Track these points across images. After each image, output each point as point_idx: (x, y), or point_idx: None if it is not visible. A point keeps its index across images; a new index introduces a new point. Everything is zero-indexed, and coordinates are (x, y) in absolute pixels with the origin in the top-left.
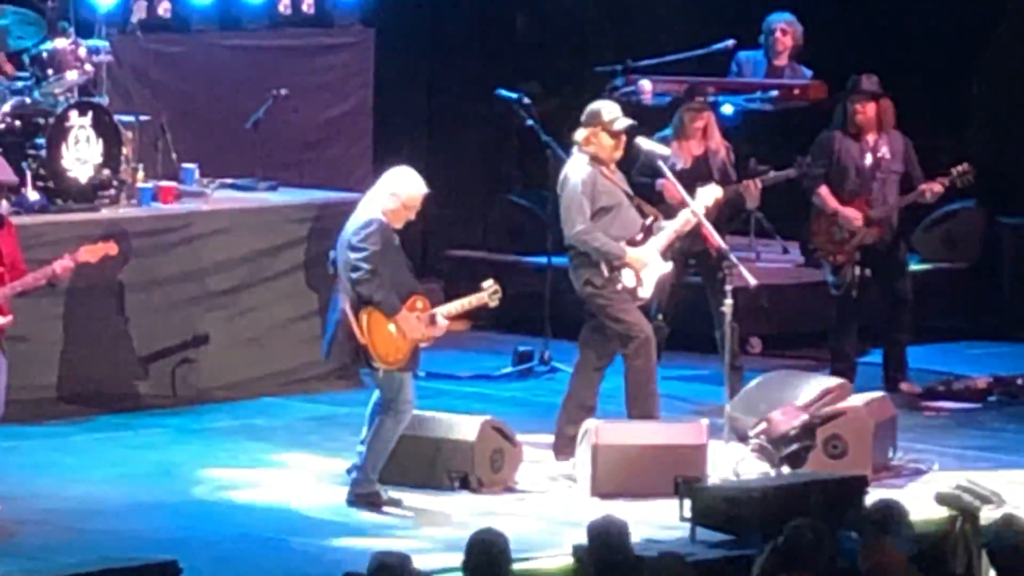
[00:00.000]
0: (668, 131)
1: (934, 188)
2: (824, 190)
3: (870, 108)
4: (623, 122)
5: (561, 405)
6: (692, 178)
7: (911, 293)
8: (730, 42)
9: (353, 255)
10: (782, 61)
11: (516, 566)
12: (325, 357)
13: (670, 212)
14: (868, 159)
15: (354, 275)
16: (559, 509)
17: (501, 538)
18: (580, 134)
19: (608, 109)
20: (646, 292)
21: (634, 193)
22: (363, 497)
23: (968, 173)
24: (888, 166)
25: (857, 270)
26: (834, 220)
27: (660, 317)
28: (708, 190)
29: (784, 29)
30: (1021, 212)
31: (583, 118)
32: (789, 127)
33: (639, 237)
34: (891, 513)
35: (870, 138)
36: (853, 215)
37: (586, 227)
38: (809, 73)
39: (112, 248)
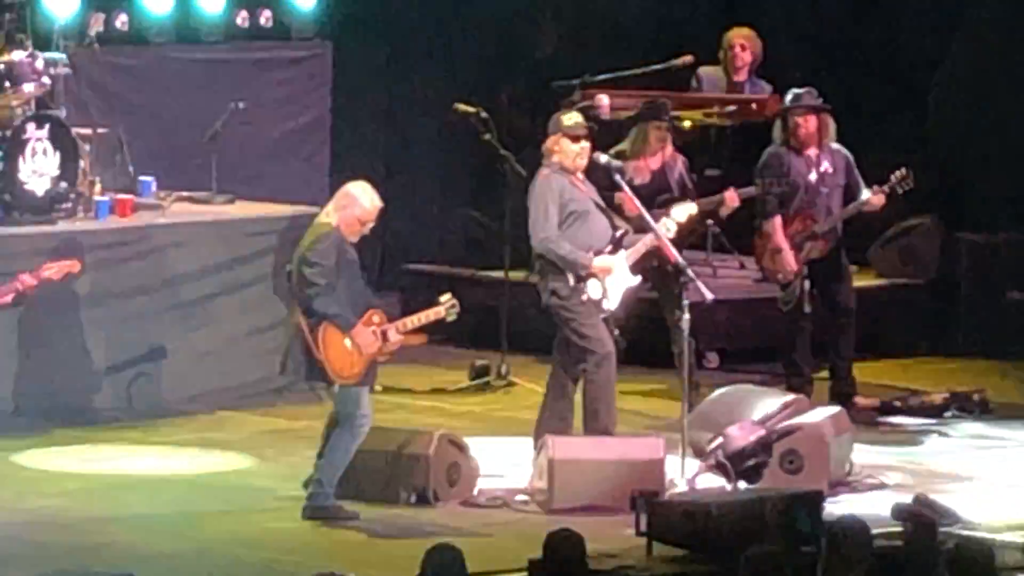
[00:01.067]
0: (623, 146)
1: (875, 199)
2: (776, 222)
3: (811, 122)
4: (583, 127)
5: (538, 417)
6: (651, 192)
7: (854, 305)
8: (688, 57)
9: (308, 270)
10: (741, 76)
11: None
12: (280, 372)
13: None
14: (813, 174)
15: (309, 290)
16: (516, 523)
17: (456, 552)
18: (547, 144)
19: (569, 116)
20: (612, 304)
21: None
22: (320, 511)
23: (907, 178)
24: (832, 180)
25: (807, 284)
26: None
27: (616, 332)
28: (683, 208)
29: (743, 44)
30: (978, 228)
31: (549, 127)
32: (747, 142)
33: (608, 249)
34: (853, 529)
35: (812, 153)
36: (788, 264)
37: (552, 234)
38: (769, 88)
39: (75, 266)
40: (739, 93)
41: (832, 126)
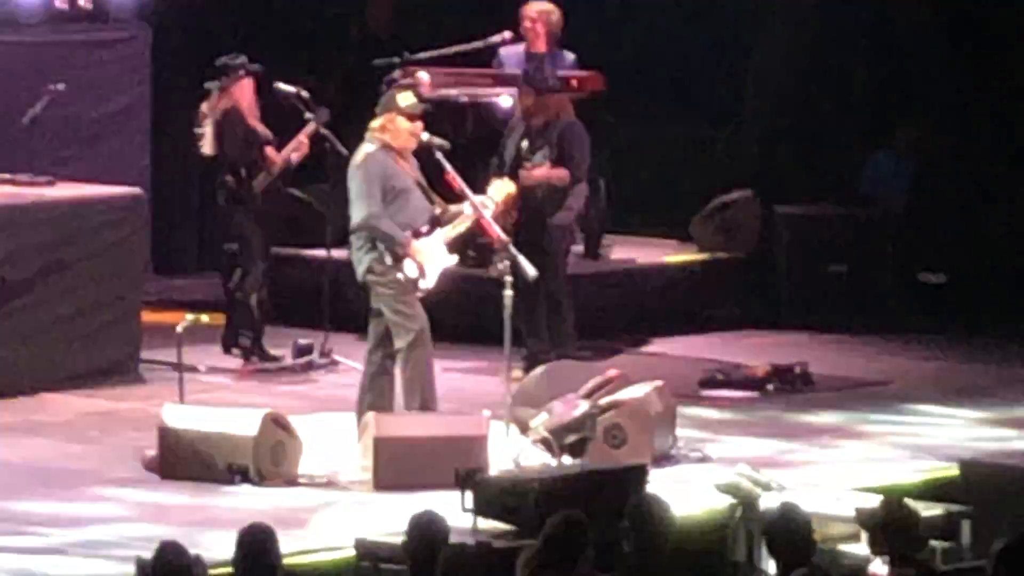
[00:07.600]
0: None
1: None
2: None
3: (526, 98)
4: (419, 107)
5: (359, 395)
6: None
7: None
8: (507, 34)
9: None
10: (539, 47)
11: (295, 559)
12: None
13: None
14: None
15: None
16: (341, 502)
17: (268, 532)
18: (376, 122)
19: (404, 96)
20: (428, 283)
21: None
22: None
23: None
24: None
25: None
26: None
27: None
28: (500, 185)
29: (533, 18)
30: (796, 201)
31: (379, 106)
32: None
33: (425, 228)
34: (651, 506)
35: (536, 126)
36: None
37: (375, 211)
38: (571, 57)
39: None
40: (540, 64)
41: (562, 103)
